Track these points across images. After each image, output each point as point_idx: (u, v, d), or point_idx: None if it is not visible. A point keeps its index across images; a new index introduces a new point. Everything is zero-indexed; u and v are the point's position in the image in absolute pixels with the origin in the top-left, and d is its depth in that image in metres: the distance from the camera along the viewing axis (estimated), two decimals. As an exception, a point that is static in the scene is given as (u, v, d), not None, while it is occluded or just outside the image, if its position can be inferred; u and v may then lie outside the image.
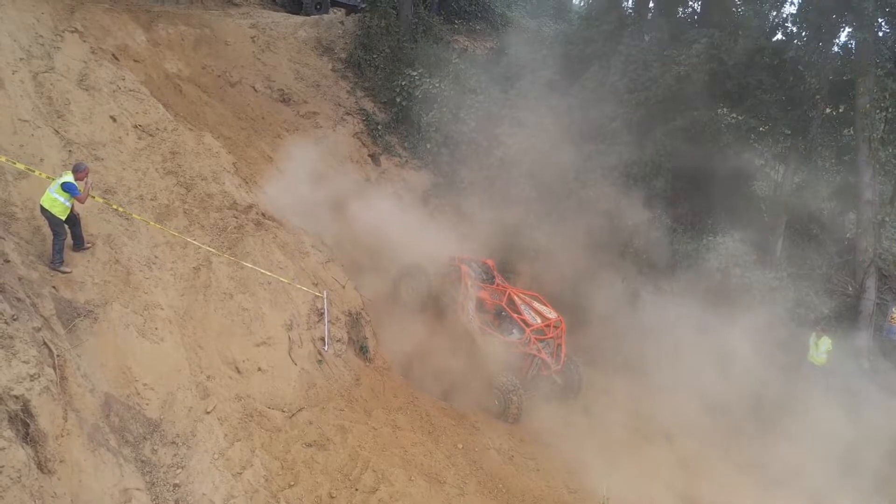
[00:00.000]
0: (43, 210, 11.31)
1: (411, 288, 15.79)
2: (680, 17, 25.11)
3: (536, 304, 15.68)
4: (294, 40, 23.39)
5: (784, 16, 22.89)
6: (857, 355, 18.59)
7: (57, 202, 11.24)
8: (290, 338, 13.02)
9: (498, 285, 15.77)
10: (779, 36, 22.67)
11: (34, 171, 11.84)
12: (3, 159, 11.90)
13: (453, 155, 20.78)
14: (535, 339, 14.67)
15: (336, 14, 26.51)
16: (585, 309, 18.02)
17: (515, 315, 15.14)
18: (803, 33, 21.39)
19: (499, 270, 17.19)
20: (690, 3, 25.64)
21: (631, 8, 25.84)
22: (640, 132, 21.38)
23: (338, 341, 14.09)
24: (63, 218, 11.38)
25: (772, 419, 16.88)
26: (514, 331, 15.05)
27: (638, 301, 19.01)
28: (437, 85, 21.56)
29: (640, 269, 19.52)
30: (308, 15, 25.92)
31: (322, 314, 14.03)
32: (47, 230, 11.86)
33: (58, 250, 11.36)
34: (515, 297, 15.59)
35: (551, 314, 15.41)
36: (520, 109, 21.64)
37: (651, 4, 25.00)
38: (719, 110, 21.92)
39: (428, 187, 19.81)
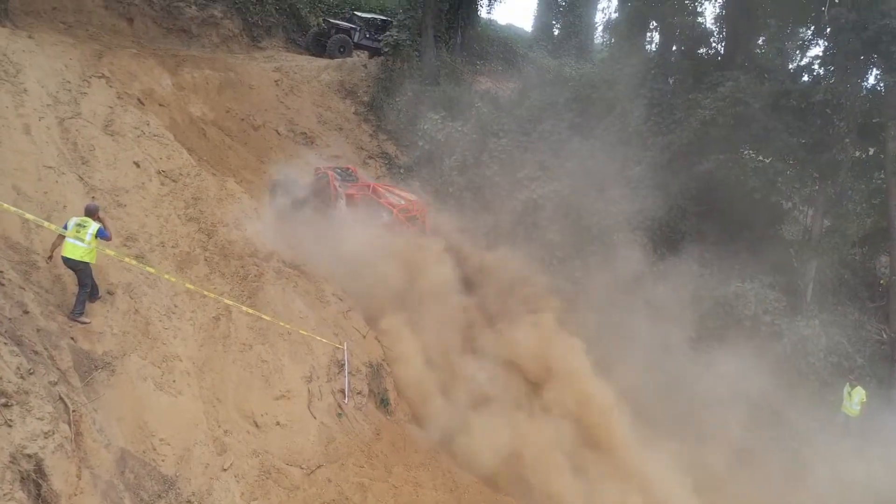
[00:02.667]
0: (76, 263, 11.08)
1: (282, 195, 16.81)
2: (703, 58, 24.97)
3: (398, 191, 17.81)
4: (317, 84, 23.54)
5: (810, 58, 22.71)
6: (892, 406, 17.94)
7: (93, 252, 11.13)
8: (309, 390, 12.76)
9: (362, 183, 17.04)
10: (805, 78, 22.45)
11: (45, 224, 11.72)
12: (30, 217, 11.85)
13: (476, 199, 20.62)
14: (403, 216, 16.61)
15: (359, 57, 26.73)
16: (610, 358, 17.60)
17: (382, 200, 16.81)
18: (831, 76, 21.11)
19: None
20: (714, 45, 25.55)
21: (654, 50, 25.76)
22: (664, 176, 21.11)
23: (358, 394, 13.79)
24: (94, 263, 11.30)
25: (804, 472, 16.26)
26: (383, 214, 16.74)
27: (665, 349, 18.55)
28: (459, 128, 21.48)
29: (667, 317, 19.09)
30: (332, 58, 26.14)
31: (342, 366, 13.77)
32: (68, 279, 11.77)
33: (81, 301, 11.23)
34: (379, 188, 17.38)
35: (412, 197, 17.68)
36: (542, 153, 21.49)
37: (674, 47, 24.91)
38: (745, 153, 21.62)
39: (453, 230, 19.61)
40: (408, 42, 24.16)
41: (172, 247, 13.62)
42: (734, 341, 18.04)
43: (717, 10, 26.13)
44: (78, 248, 11.03)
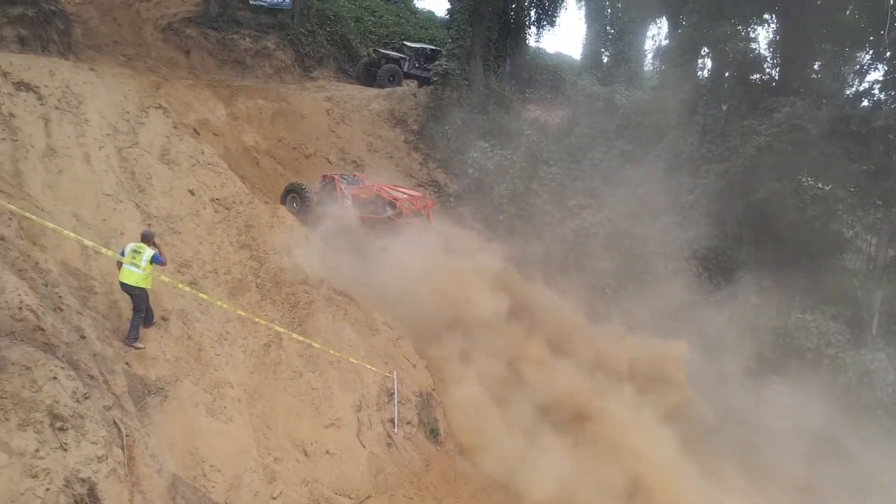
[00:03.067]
0: (131, 288, 11.25)
1: (296, 202, 17.51)
2: (757, 84, 24.51)
3: (404, 189, 18.46)
4: (368, 113, 23.77)
5: (869, 83, 22.13)
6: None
7: (148, 277, 11.28)
8: (359, 419, 12.64)
9: (366, 185, 17.89)
10: (864, 103, 21.86)
11: (103, 251, 11.91)
12: (88, 243, 12.08)
13: (526, 227, 20.45)
14: (407, 209, 17.12)
15: (409, 87, 26.96)
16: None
17: (386, 196, 17.47)
18: (892, 101, 20.50)
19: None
20: (768, 70, 25.08)
21: (706, 77, 25.39)
22: (719, 203, 20.68)
23: (408, 423, 13.61)
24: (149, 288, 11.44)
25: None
26: (387, 209, 17.39)
27: (721, 380, 18.01)
28: (509, 156, 21.41)
29: (723, 347, 18.54)
30: (381, 88, 26.43)
31: (392, 394, 13.62)
32: (124, 304, 11.93)
33: (135, 326, 11.37)
34: (384, 187, 17.98)
35: (417, 193, 18.48)
36: (593, 180, 21.31)
37: (727, 73, 24.51)
38: (804, 181, 21.03)
39: (503, 259, 19.46)
40: (457, 71, 24.28)
41: (225, 273, 13.73)
42: (795, 373, 17.45)
43: (771, 36, 25.78)
44: (133, 273, 11.18)
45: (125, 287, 11.28)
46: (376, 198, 17.63)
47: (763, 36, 38.06)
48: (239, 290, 13.58)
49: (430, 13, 43.92)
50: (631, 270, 19.41)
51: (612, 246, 19.66)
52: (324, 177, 18.61)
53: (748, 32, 24.51)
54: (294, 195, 17.74)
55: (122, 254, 11.30)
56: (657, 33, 39.23)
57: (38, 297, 10.20)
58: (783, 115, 20.31)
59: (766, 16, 25.02)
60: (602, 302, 18.90)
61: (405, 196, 17.67)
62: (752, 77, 24.40)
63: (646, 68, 41.31)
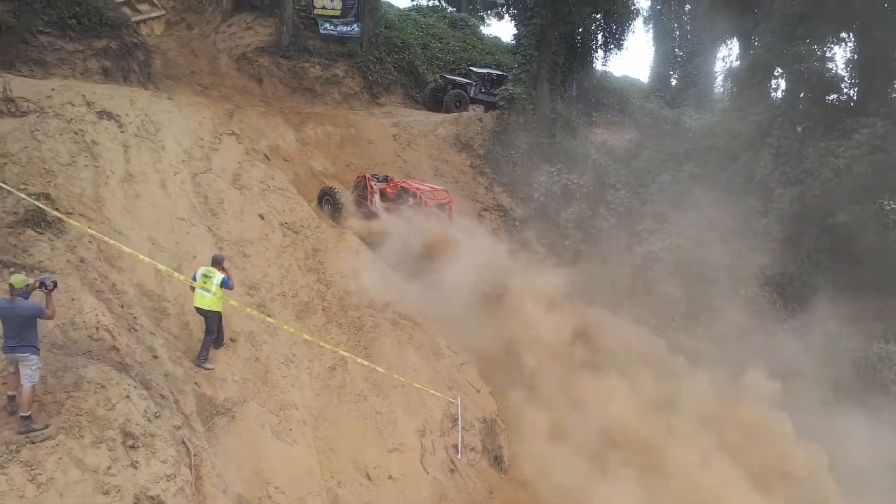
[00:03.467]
0: (204, 311, 11.59)
1: (329, 205, 18.49)
2: (834, 105, 23.69)
3: (428, 185, 19.87)
4: (434, 137, 23.94)
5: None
6: None
7: (219, 300, 11.59)
8: (422, 444, 12.59)
9: (395, 182, 19.22)
10: (953, 123, 20.78)
11: (175, 275, 12.22)
12: (161, 268, 12.45)
13: (593, 252, 20.16)
14: (427, 199, 18.60)
15: (475, 111, 27.05)
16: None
17: (411, 189, 18.92)
18: (984, 120, 19.50)
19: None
20: (845, 90, 24.21)
21: (780, 98, 24.68)
22: (794, 228, 19.98)
23: (471, 450, 13.48)
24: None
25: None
26: (409, 199, 18.69)
27: (797, 411, 17.22)
28: (575, 180, 21.19)
29: (799, 377, 17.77)
30: (448, 113, 26.59)
31: (456, 420, 13.53)
32: (195, 325, 12.23)
33: (206, 347, 11.65)
34: (410, 182, 19.53)
35: (440, 188, 19.87)
36: (662, 205, 20.83)
37: (802, 94, 23.78)
38: (885, 204, 20.08)
39: (567, 285, 19.21)
40: (523, 95, 24.26)
41: (292, 297, 13.95)
42: (876, 406, 16.56)
43: (848, 55, 24.88)
44: (205, 297, 11.50)
45: (199, 310, 11.60)
46: (401, 191, 18.99)
47: (840, 55, 36.89)
48: (306, 313, 13.77)
49: (497, 39, 44.07)
50: (701, 297, 18.82)
51: (681, 272, 19.14)
52: (358, 178, 19.91)
53: (824, 52, 23.74)
54: (327, 198, 18.71)
55: (194, 278, 11.62)
56: (728, 54, 38.42)
57: (114, 318, 10.55)
58: (863, 136, 19.55)
59: (844, 34, 24.20)
60: (671, 329, 18.38)
61: (427, 188, 19.25)
62: (828, 97, 23.61)
63: (716, 90, 40.44)
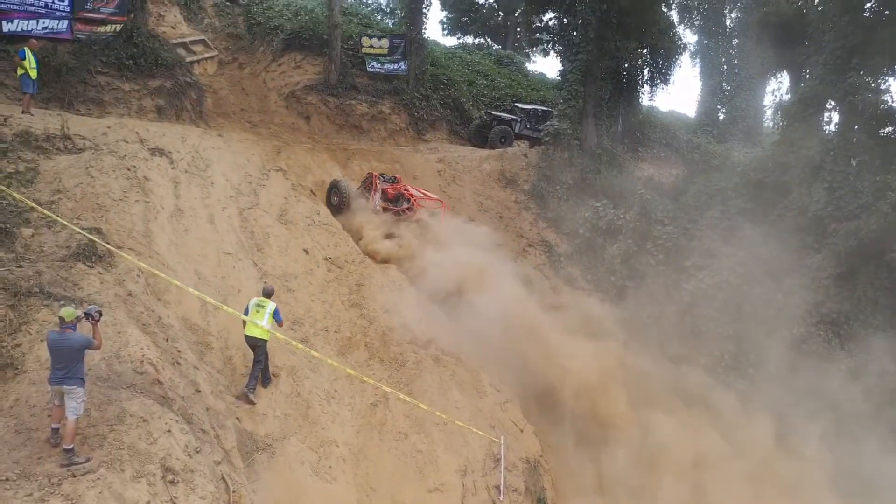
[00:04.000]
0: (255, 340, 11.69)
1: (336, 196, 19.33)
2: (890, 138, 23.01)
3: (426, 192, 20.67)
4: (478, 173, 23.96)
5: None
6: None
7: (268, 331, 11.68)
8: (463, 484, 12.32)
9: (398, 185, 20.21)
10: None
11: (225, 308, 12.31)
12: (210, 301, 12.56)
13: (639, 288, 19.76)
14: (419, 205, 19.64)
15: (519, 147, 27.05)
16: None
17: (406, 193, 19.88)
18: None
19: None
20: (903, 121, 23.50)
21: (833, 131, 24.08)
22: (849, 264, 19.28)
23: (514, 491, 13.13)
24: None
25: None
26: (404, 203, 19.69)
27: (857, 455, 16.47)
28: (621, 216, 20.89)
29: (857, 420, 17.03)
30: (493, 148, 26.63)
31: (498, 460, 13.23)
32: (238, 360, 12.30)
33: (255, 376, 11.75)
34: (410, 187, 20.37)
35: (434, 196, 20.61)
36: (711, 240, 20.34)
37: (856, 127, 23.17)
38: (949, 241, 19.32)
39: (614, 322, 18.83)
40: (568, 131, 24.16)
41: (335, 332, 13.94)
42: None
43: (905, 87, 24.26)
44: (258, 326, 11.63)
45: (250, 340, 11.75)
46: (400, 195, 19.95)
47: (895, 87, 36.16)
48: (348, 348, 13.74)
49: (542, 75, 44.18)
50: (751, 336, 18.23)
51: (730, 309, 18.60)
52: (367, 174, 21.00)
53: (878, 84, 23.18)
54: (335, 190, 19.56)
55: (247, 311, 11.75)
56: (777, 88, 38.06)
57: (158, 351, 10.63)
58: (922, 168, 18.92)
59: (899, 65, 23.61)
60: (720, 369, 17.81)
61: (422, 195, 20.21)
62: (883, 130, 22.95)
63: (765, 124, 39.84)
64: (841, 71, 21.94)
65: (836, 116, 24.24)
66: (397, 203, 19.93)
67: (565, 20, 24.88)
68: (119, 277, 11.87)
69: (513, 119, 28.79)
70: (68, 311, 8.49)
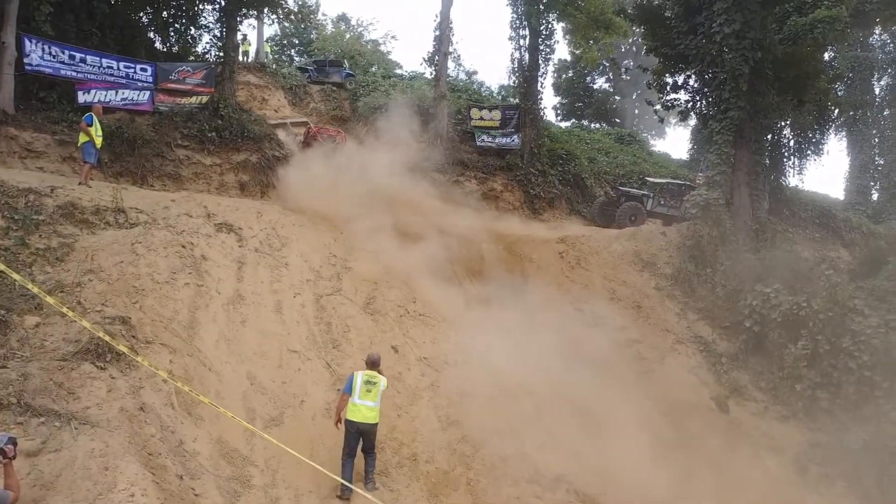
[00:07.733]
0: (368, 427, 9.15)
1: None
2: None
3: (330, 129, 25.07)
4: (608, 255, 19.88)
5: None
6: None
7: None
8: None
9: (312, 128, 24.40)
10: None
11: (267, 437, 8.79)
12: (250, 428, 9.14)
13: (836, 400, 14.76)
14: (314, 132, 23.50)
15: (653, 225, 22.92)
16: None
17: (313, 130, 23.89)
18: None
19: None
20: None
21: None
22: None
23: None
24: None
25: None
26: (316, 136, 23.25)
27: None
28: (804, 304, 16.07)
29: None
30: (620, 228, 22.62)
31: None
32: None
33: (374, 466, 9.42)
34: (322, 127, 24.44)
35: (334, 130, 25.02)
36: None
37: None
38: None
39: (803, 447, 13.93)
40: (720, 201, 19.74)
41: (426, 461, 10.05)
42: None
43: None
44: (372, 409, 9.20)
45: (358, 426, 9.11)
46: (308, 132, 23.97)
47: None
48: (443, 486, 9.76)
49: (667, 154, 40.70)
50: None
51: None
52: (307, 126, 25.24)
53: None
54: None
55: (348, 388, 9.26)
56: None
57: (161, 498, 7.14)
58: None
59: None
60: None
61: (319, 127, 24.42)
62: None
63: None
64: None
65: None
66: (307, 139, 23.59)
67: (709, 74, 20.85)
68: (135, 384, 8.69)
69: (644, 195, 24.84)
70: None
